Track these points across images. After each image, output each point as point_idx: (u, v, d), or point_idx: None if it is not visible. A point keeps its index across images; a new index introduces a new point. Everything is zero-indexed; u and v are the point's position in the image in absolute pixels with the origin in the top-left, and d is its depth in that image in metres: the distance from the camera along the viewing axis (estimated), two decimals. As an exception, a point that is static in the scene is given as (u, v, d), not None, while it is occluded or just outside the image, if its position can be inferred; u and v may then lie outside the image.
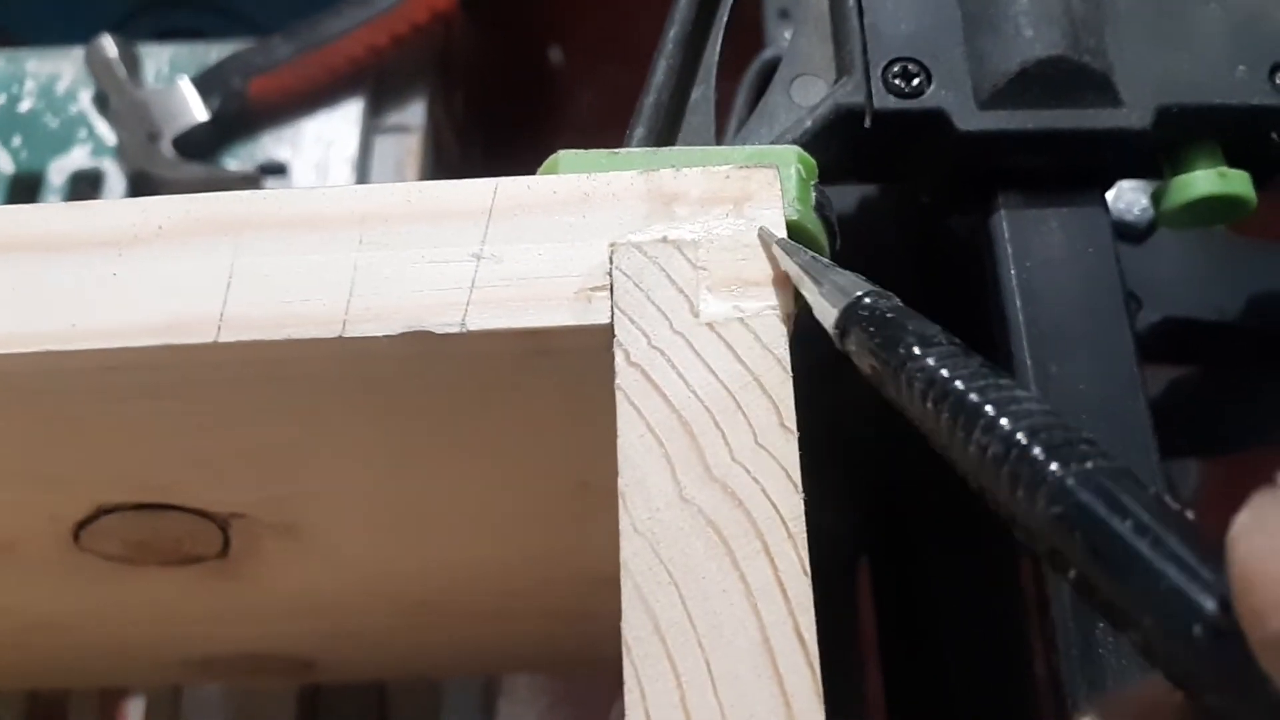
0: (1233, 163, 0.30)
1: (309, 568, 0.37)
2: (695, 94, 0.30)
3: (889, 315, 0.22)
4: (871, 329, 0.22)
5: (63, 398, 0.26)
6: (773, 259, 0.24)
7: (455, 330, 0.24)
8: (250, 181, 0.60)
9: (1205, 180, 0.30)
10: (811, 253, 0.24)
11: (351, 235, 0.24)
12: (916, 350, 0.21)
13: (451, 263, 0.24)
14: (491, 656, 0.53)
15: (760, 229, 0.24)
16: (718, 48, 0.31)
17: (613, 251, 0.24)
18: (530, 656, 0.55)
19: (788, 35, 0.56)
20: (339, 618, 0.43)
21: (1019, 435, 0.18)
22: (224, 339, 0.24)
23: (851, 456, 0.41)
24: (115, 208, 0.25)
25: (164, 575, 0.37)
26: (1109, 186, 0.31)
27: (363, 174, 0.61)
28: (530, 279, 0.24)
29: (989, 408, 0.19)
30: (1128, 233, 0.39)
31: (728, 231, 0.25)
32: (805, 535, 0.22)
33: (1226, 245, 0.39)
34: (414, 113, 0.64)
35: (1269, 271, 0.39)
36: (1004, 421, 0.19)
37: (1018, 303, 0.29)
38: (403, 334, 0.24)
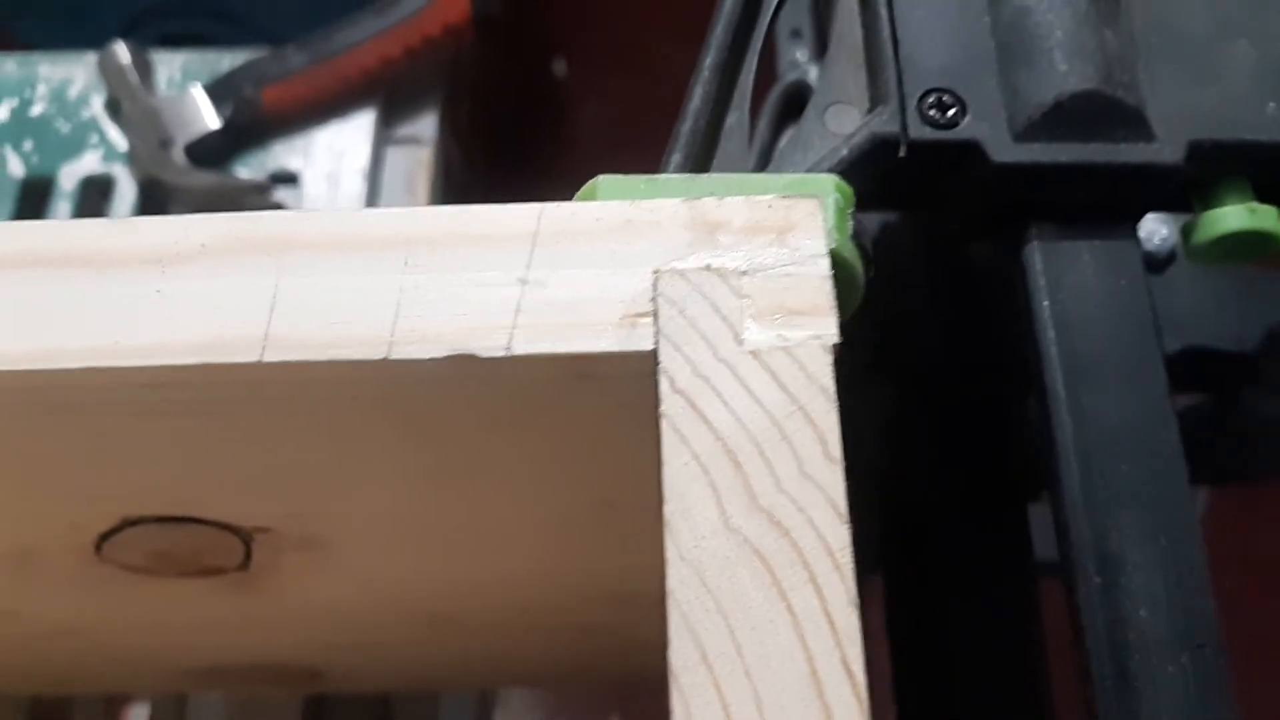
0: (1262, 198, 0.30)
1: (328, 581, 0.37)
2: (730, 120, 0.30)
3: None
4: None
5: (100, 413, 0.26)
6: None
7: (500, 354, 0.24)
8: (261, 190, 0.60)
9: (1235, 216, 0.30)
10: None
11: (397, 257, 0.24)
12: None
13: (497, 287, 0.24)
14: (497, 669, 0.53)
15: None
16: (751, 75, 0.31)
17: (657, 278, 0.25)
18: (534, 669, 0.55)
19: (799, 55, 0.56)
20: (351, 630, 0.43)
21: None
22: (268, 359, 0.24)
23: (868, 475, 0.41)
24: (158, 225, 0.25)
25: (180, 586, 0.37)
26: (1140, 219, 0.31)
27: (374, 185, 0.62)
28: (575, 304, 0.24)
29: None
30: (1149, 262, 0.39)
31: (771, 260, 0.25)
32: (852, 566, 0.22)
33: (1245, 276, 0.39)
34: (426, 125, 0.64)
35: (1287, 302, 0.39)
36: None
37: (1051, 334, 0.29)
38: (448, 357, 0.24)
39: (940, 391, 0.41)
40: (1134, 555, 0.27)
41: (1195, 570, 0.27)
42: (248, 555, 0.35)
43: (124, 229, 0.25)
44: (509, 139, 0.92)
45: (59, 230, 0.25)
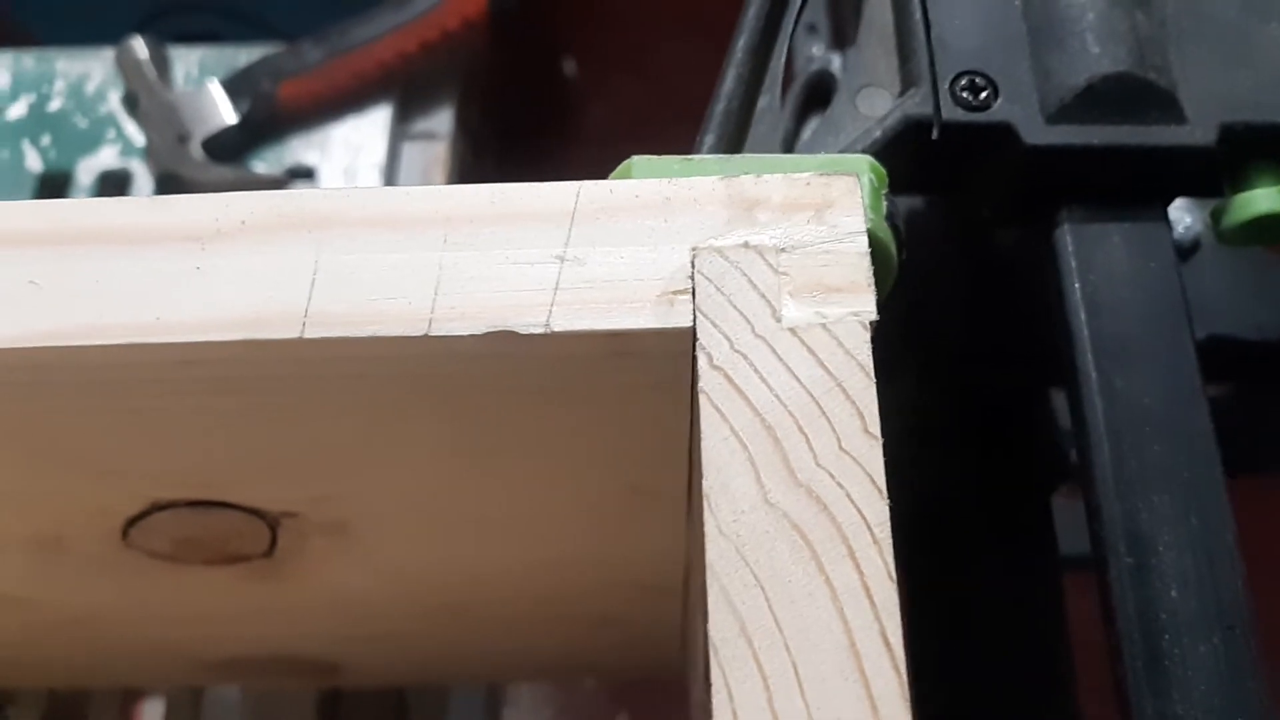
0: (1293, 182, 0.30)
1: (351, 568, 0.37)
2: (761, 102, 0.30)
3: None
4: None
5: (135, 391, 0.26)
6: None
7: (540, 331, 0.24)
8: (278, 185, 0.60)
9: (1266, 198, 0.30)
10: None
11: (436, 235, 0.24)
12: None
13: (536, 264, 0.24)
14: (509, 662, 0.53)
15: None
16: (783, 59, 0.31)
17: (694, 256, 0.25)
18: (547, 663, 0.55)
19: (815, 50, 0.56)
20: (371, 620, 0.43)
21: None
22: (309, 335, 0.24)
23: (890, 462, 0.41)
24: (198, 202, 0.25)
25: (205, 574, 0.37)
26: (1170, 202, 0.31)
27: (390, 180, 0.62)
28: (613, 281, 0.24)
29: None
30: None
31: (809, 238, 0.25)
32: (891, 541, 0.22)
33: (1269, 264, 0.39)
34: (441, 120, 0.64)
35: (1311, 292, 0.39)
36: None
37: (1082, 316, 0.29)
38: (488, 333, 0.24)
39: (965, 379, 0.41)
40: (1165, 536, 0.27)
41: (1226, 551, 0.27)
42: (273, 542, 0.35)
43: (162, 205, 0.25)
44: (519, 136, 0.92)
45: (97, 206, 0.25)
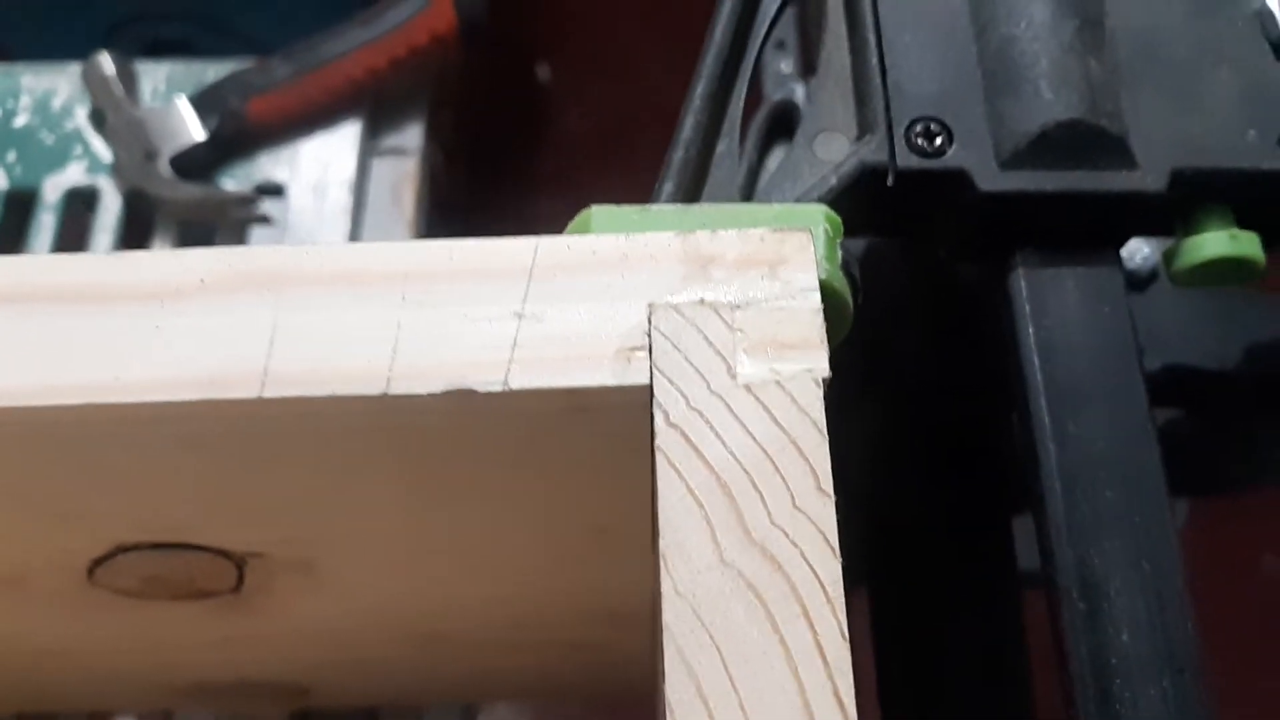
0: (1243, 225, 0.31)
1: (320, 602, 0.37)
2: (720, 147, 0.31)
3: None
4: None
5: (97, 446, 0.26)
6: None
7: (498, 389, 0.24)
8: (247, 202, 0.60)
9: (1216, 242, 0.30)
10: None
11: (394, 292, 0.25)
12: None
13: (494, 321, 0.25)
14: (485, 684, 0.54)
15: None
16: (741, 103, 0.31)
17: (651, 312, 0.25)
18: (522, 685, 0.55)
19: (784, 66, 0.57)
20: (341, 648, 0.44)
21: None
22: (268, 394, 0.24)
23: (853, 489, 0.42)
24: (156, 260, 0.25)
25: (172, 608, 0.37)
26: (1123, 244, 0.32)
27: (359, 196, 0.62)
28: (571, 338, 0.25)
29: None
30: (1130, 281, 0.40)
31: (763, 295, 0.25)
32: (843, 599, 0.22)
33: (1226, 296, 0.40)
34: (411, 135, 0.64)
35: (1267, 322, 0.40)
36: None
37: (1036, 361, 0.30)
38: (446, 392, 0.24)
39: (925, 408, 0.42)
40: (1116, 580, 0.28)
41: (1176, 595, 0.28)
42: (240, 579, 0.35)
43: (122, 264, 0.25)
44: (493, 143, 0.92)
45: (56, 264, 0.25)
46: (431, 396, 0.24)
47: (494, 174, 0.90)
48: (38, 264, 0.25)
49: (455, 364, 0.24)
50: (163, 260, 0.25)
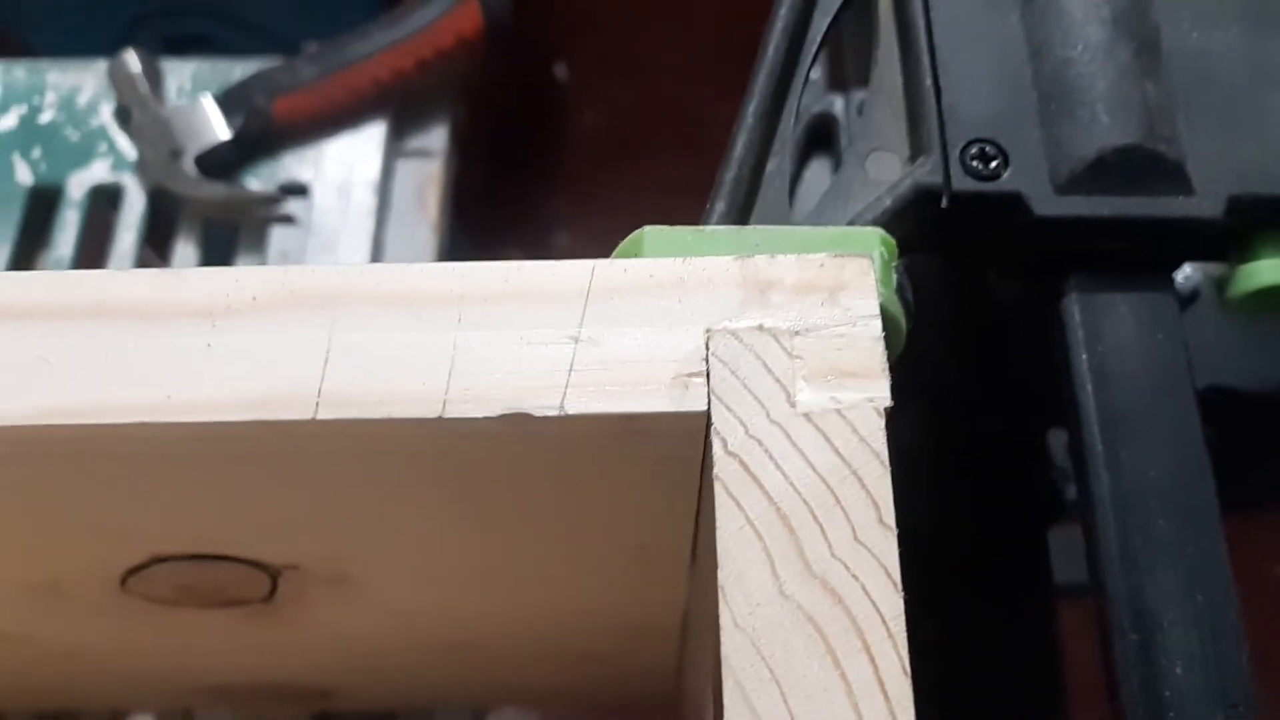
0: (1300, 253, 0.31)
1: (349, 612, 0.37)
2: (770, 166, 0.30)
3: None
4: None
5: (145, 463, 0.26)
6: None
7: (554, 413, 0.24)
8: (271, 202, 0.60)
9: (1272, 270, 0.30)
10: None
11: (451, 314, 0.24)
12: None
13: (550, 344, 0.24)
14: (500, 690, 0.53)
15: None
16: (791, 122, 0.31)
17: (709, 338, 0.25)
18: (537, 693, 0.55)
19: (811, 74, 0.56)
20: (367, 655, 0.43)
21: None
22: (322, 416, 0.24)
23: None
24: (208, 276, 0.25)
25: (201, 615, 0.37)
26: (1177, 269, 0.31)
27: (384, 197, 0.61)
28: (628, 363, 0.24)
29: None
30: (1173, 301, 0.39)
31: (823, 321, 0.25)
32: (905, 635, 0.22)
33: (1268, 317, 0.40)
34: (436, 137, 0.64)
35: (1307, 344, 0.39)
36: None
37: (1089, 387, 0.29)
38: (502, 416, 0.24)
39: (962, 420, 0.42)
40: (1170, 613, 0.28)
41: (1231, 627, 0.28)
42: (273, 589, 0.35)
43: (174, 280, 0.25)
44: (510, 142, 0.92)
45: (107, 280, 0.25)
46: (487, 420, 0.24)
47: (511, 172, 0.90)
48: (90, 279, 0.25)
49: (511, 387, 0.24)
50: (215, 277, 0.25)
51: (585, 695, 0.56)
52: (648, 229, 0.27)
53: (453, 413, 0.24)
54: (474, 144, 0.73)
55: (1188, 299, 0.40)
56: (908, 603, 0.43)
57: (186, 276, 0.25)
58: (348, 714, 0.54)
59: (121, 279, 0.25)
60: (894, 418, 0.41)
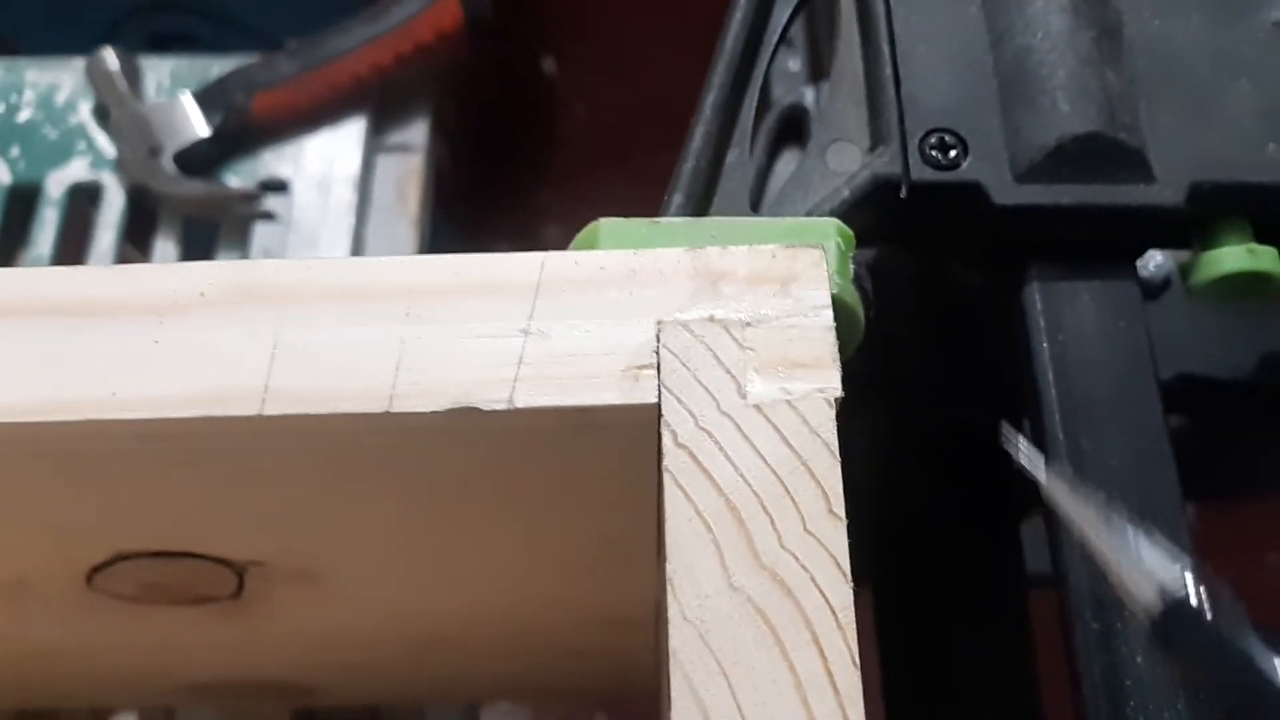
0: (1262, 239, 0.30)
1: (320, 609, 0.37)
2: (730, 157, 0.30)
3: (1222, 629, 0.22)
4: (1207, 642, 0.22)
5: (96, 461, 0.26)
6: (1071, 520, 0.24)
7: (502, 407, 0.24)
8: (251, 199, 0.59)
9: (1234, 257, 0.30)
10: (1113, 515, 0.24)
11: (398, 308, 0.24)
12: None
13: (499, 338, 0.24)
14: (487, 685, 0.53)
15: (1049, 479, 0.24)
16: (752, 113, 0.31)
17: (660, 329, 0.24)
18: (524, 686, 0.55)
19: (792, 65, 0.56)
20: (343, 651, 0.43)
21: None
22: (269, 411, 0.23)
23: (860, 490, 0.41)
24: (156, 273, 0.25)
25: (171, 612, 0.37)
26: (1139, 257, 0.31)
27: (364, 193, 0.61)
28: (578, 356, 0.24)
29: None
30: (1143, 289, 0.39)
31: (774, 312, 0.25)
32: (854, 626, 0.22)
33: (1239, 306, 0.39)
34: (416, 132, 0.64)
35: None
36: None
37: (1050, 376, 0.29)
38: (449, 410, 0.24)
39: (933, 413, 0.41)
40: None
41: (1193, 616, 0.27)
42: (240, 586, 0.35)
43: (120, 277, 0.24)
44: (498, 138, 0.91)
45: (53, 277, 0.24)
46: (435, 414, 0.24)
47: (499, 168, 0.90)
48: (35, 277, 0.25)
49: (459, 381, 0.24)
50: (162, 273, 0.24)
51: (573, 689, 0.56)
52: (603, 221, 0.27)
53: (400, 407, 0.23)
54: (463, 139, 0.72)
55: (1159, 288, 0.40)
56: (880, 593, 0.43)
57: (135, 273, 0.25)
58: (331, 711, 0.54)
59: (69, 276, 0.25)
60: (865, 411, 0.41)
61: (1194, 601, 0.22)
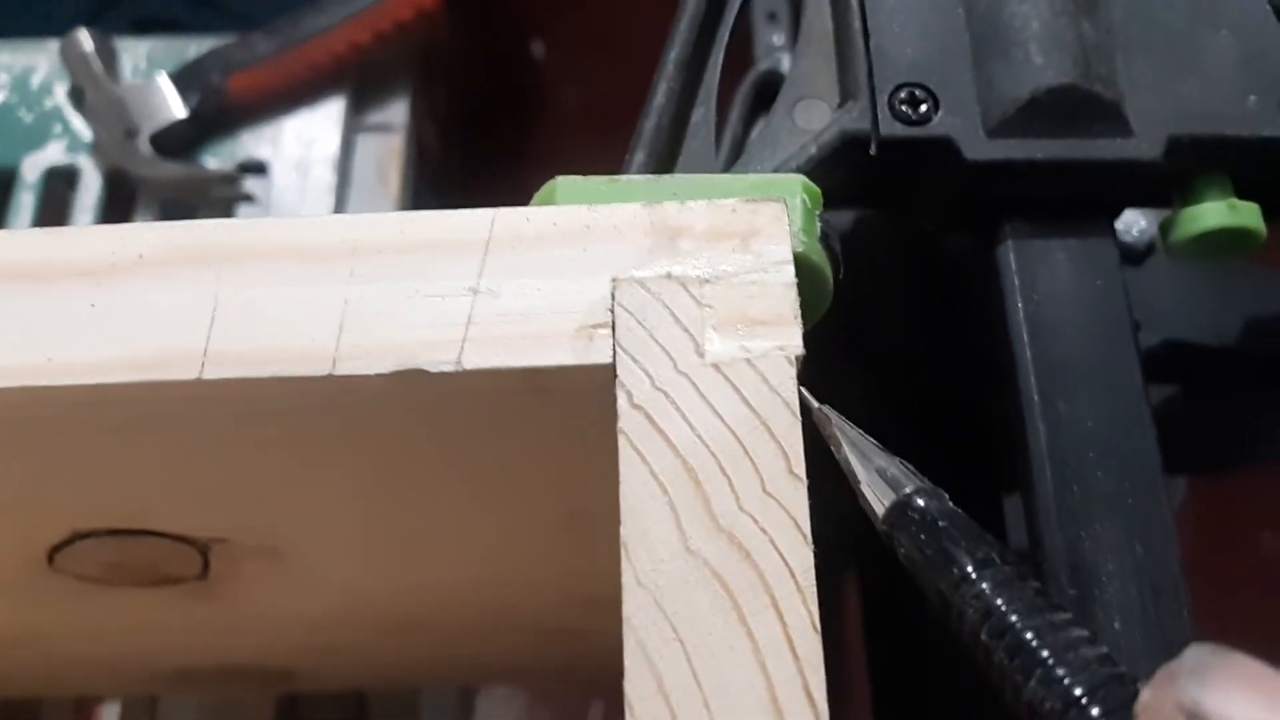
0: (1243, 194, 0.29)
1: (291, 588, 0.36)
2: (695, 116, 0.29)
3: (941, 524, 0.22)
4: (923, 536, 0.23)
5: (37, 429, 0.25)
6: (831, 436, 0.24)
7: (450, 369, 0.23)
8: (229, 180, 0.59)
9: (1214, 212, 0.29)
10: (860, 431, 0.24)
11: (342, 267, 0.23)
12: (972, 573, 0.22)
13: (447, 297, 0.23)
14: (475, 668, 0.53)
15: (820, 409, 0.24)
16: (718, 70, 0.30)
17: (615, 287, 0.24)
18: (514, 669, 0.54)
19: (776, 39, 0.55)
20: (320, 633, 0.43)
21: (1076, 691, 0.20)
22: (208, 376, 0.23)
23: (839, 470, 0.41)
24: (93, 235, 0.24)
25: (140, 594, 0.36)
26: (1117, 215, 0.30)
27: (344, 173, 0.60)
28: (529, 315, 0.23)
29: (1048, 655, 0.21)
30: (1127, 254, 0.38)
31: (734, 268, 0.24)
32: (815, 589, 0.21)
33: (1225, 269, 0.39)
34: (396, 111, 0.63)
35: (1267, 296, 0.38)
36: (1061, 673, 0.20)
37: (1025, 337, 0.28)
38: (395, 372, 0.23)
39: (913, 383, 0.41)
40: (1108, 565, 0.27)
41: (1171, 580, 0.27)
42: (205, 565, 0.34)
43: (56, 239, 0.24)
44: (486, 120, 0.91)
45: (-9, 241, 0.24)
46: (380, 377, 0.23)
47: (488, 150, 0.89)
48: (-29, 240, 0.24)
49: (405, 343, 0.23)
50: (99, 235, 0.24)
51: (565, 669, 0.56)
52: (560, 179, 0.26)
53: (343, 370, 0.23)
54: (451, 122, 0.72)
55: (1143, 253, 0.39)
56: (864, 572, 0.43)
57: (75, 235, 0.24)
58: (315, 695, 0.54)
59: (3, 240, 0.24)
60: (845, 380, 0.40)
61: (918, 503, 0.23)
